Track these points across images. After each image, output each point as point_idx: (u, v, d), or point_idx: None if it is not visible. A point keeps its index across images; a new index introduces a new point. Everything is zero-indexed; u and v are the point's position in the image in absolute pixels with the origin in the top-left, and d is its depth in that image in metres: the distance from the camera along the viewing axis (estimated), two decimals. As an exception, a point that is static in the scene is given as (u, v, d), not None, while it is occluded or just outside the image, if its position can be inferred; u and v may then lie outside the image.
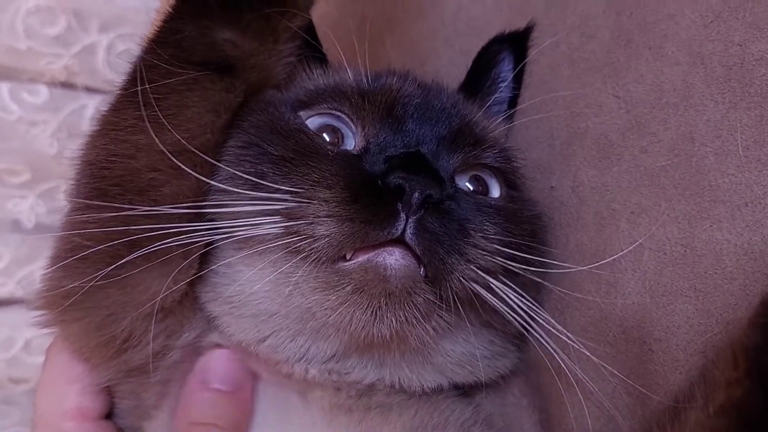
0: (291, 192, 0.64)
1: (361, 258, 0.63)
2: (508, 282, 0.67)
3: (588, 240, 0.72)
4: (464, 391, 0.76)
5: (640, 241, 0.65)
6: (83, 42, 1.35)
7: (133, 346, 0.70)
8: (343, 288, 0.63)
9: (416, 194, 0.62)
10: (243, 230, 0.65)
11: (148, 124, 0.64)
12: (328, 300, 0.63)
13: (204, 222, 0.67)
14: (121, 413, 0.76)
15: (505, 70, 0.86)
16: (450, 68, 0.94)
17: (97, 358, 0.72)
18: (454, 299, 0.64)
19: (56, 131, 1.37)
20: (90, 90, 1.39)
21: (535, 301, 0.72)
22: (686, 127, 0.64)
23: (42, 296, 0.71)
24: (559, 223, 0.76)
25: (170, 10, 0.71)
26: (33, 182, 1.36)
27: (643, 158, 0.68)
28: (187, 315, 0.72)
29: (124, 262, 0.64)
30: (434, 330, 0.66)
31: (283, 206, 0.64)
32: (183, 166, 0.65)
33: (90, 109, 1.37)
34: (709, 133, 0.63)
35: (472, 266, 0.64)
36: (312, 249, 0.63)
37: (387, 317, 0.63)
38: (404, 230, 0.62)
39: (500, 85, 0.86)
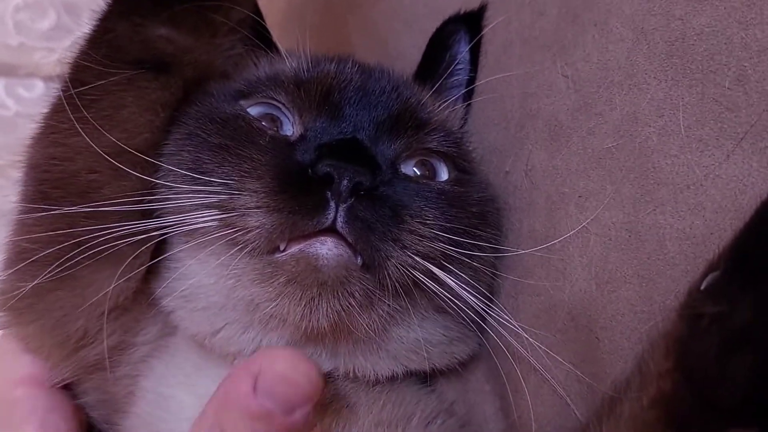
0: (224, 184, 0.64)
1: (294, 249, 0.62)
2: (452, 268, 0.66)
3: (539, 225, 0.70)
4: (426, 379, 0.75)
5: (585, 224, 0.64)
6: (75, 34, 1.35)
7: (88, 344, 0.71)
8: (277, 279, 0.62)
9: (345, 182, 0.62)
10: (184, 224, 0.65)
11: (83, 127, 0.64)
12: (266, 292, 0.63)
13: (152, 219, 0.66)
14: (91, 407, 0.77)
15: (461, 51, 0.84)
16: (412, 50, 0.91)
17: (54, 357, 0.73)
18: (394, 286, 0.63)
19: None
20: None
21: (489, 287, 0.71)
22: (630, 107, 0.62)
23: None
24: (513, 208, 0.75)
25: (103, 7, 0.69)
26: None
27: (591, 140, 0.65)
28: (144, 311, 0.72)
29: (74, 263, 0.64)
30: (380, 318, 0.66)
31: (216, 199, 0.63)
32: (122, 167, 0.64)
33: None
34: (652, 112, 0.60)
35: (408, 252, 0.63)
36: (246, 240, 0.62)
37: (322, 307, 0.62)
38: (335, 219, 0.62)
39: (457, 66, 0.84)
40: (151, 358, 0.73)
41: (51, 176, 0.67)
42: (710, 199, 0.55)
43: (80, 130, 0.64)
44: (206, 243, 0.65)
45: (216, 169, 0.65)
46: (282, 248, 0.63)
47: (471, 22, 0.84)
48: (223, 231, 0.63)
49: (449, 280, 0.65)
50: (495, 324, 0.69)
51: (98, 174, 0.65)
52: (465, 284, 0.66)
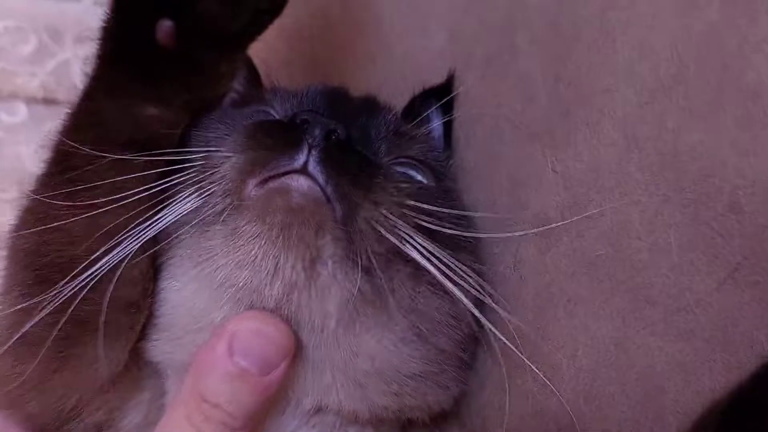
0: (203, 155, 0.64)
1: (265, 187, 0.60)
2: (429, 237, 0.62)
3: (527, 324, 0.68)
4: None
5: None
6: (58, 58, 1.33)
7: (76, 417, 0.68)
8: (246, 220, 0.59)
9: (320, 126, 0.61)
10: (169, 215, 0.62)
11: (80, 212, 0.62)
12: (236, 247, 0.60)
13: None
14: None
15: (435, 125, 0.82)
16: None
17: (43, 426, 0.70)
18: (366, 249, 0.59)
19: (39, 148, 1.37)
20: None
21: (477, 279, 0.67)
22: (621, 216, 0.60)
23: None
24: (501, 292, 0.72)
25: (86, 88, 0.67)
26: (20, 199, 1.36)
27: (581, 243, 0.63)
28: (134, 378, 0.69)
29: (74, 340, 0.63)
30: (351, 294, 0.60)
31: (195, 171, 0.62)
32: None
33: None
34: (643, 226, 0.58)
35: (380, 209, 0.60)
36: (217, 196, 0.61)
37: (293, 239, 0.58)
38: (307, 161, 0.60)
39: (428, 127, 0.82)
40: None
41: (50, 260, 0.64)
42: (701, 326, 0.53)
43: (79, 214, 0.62)
44: (185, 235, 0.63)
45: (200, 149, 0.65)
46: (252, 194, 0.60)
47: (441, 95, 0.82)
48: (198, 198, 0.61)
49: (428, 252, 0.61)
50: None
51: (100, 250, 0.62)
52: (450, 271, 0.62)
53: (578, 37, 0.65)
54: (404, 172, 0.70)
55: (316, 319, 0.61)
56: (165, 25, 0.61)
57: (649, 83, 0.58)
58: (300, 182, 0.59)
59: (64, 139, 0.66)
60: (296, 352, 0.62)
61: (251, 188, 0.60)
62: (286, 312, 0.61)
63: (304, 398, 0.65)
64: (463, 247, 0.67)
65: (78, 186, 0.63)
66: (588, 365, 0.61)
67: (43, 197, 0.65)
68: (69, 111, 0.69)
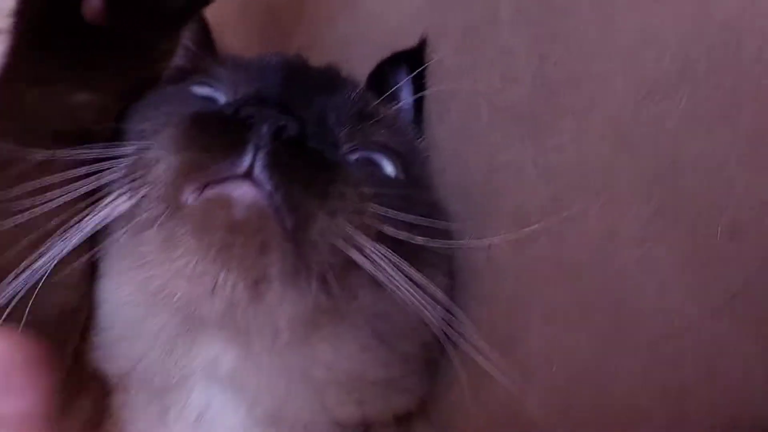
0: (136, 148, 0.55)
1: (203, 195, 0.51)
2: (390, 252, 0.53)
3: (500, 322, 0.63)
4: None
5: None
6: None
7: None
8: (183, 231, 0.51)
9: (267, 124, 0.52)
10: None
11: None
12: (171, 259, 0.52)
13: None
14: None
15: (404, 89, 0.74)
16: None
17: None
18: (319, 263, 0.52)
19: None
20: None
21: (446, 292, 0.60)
22: (607, 222, 0.54)
23: None
24: (473, 290, 0.67)
25: (3, 73, 0.57)
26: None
27: (561, 248, 0.58)
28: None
29: None
30: (304, 310, 0.53)
31: (126, 167, 0.54)
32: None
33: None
34: (631, 237, 0.52)
35: (337, 219, 0.52)
36: (150, 200, 0.52)
37: (235, 260, 0.50)
38: (253, 164, 0.51)
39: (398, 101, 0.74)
40: None
41: None
42: (689, 354, 0.48)
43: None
44: (120, 235, 0.55)
45: (135, 137, 0.57)
46: (189, 201, 0.52)
47: (412, 60, 0.73)
48: (130, 200, 0.53)
49: (388, 267, 0.53)
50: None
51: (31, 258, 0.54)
52: (411, 278, 0.55)
53: (571, 12, 0.57)
54: (368, 162, 0.62)
55: (265, 333, 0.55)
56: (93, 0, 0.51)
57: (650, 76, 0.51)
58: (243, 191, 0.50)
59: None
60: (245, 357, 0.56)
61: (188, 195, 0.51)
62: (230, 324, 0.54)
63: (256, 407, 0.59)
64: (431, 253, 0.60)
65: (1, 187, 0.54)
66: (563, 380, 0.56)
67: None
68: None
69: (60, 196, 0.53)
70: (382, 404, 0.62)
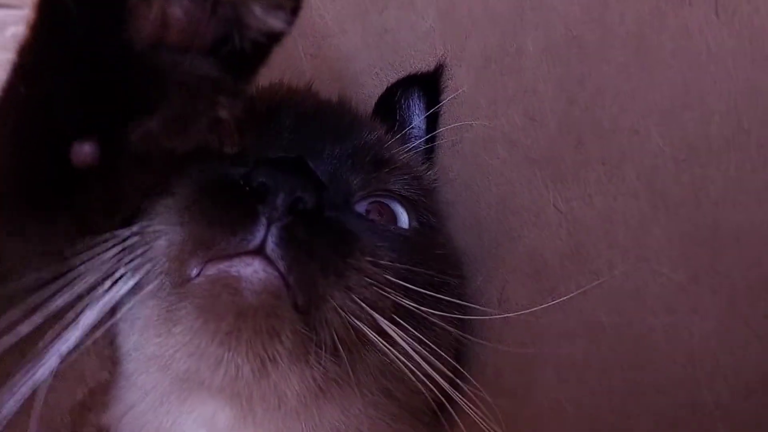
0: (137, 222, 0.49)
1: (210, 271, 0.47)
2: (406, 325, 0.52)
3: (508, 375, 0.60)
4: None
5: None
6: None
7: None
8: (184, 311, 0.47)
9: (282, 195, 0.48)
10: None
11: None
12: (171, 334, 0.48)
13: None
14: None
15: (416, 114, 0.70)
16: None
17: None
18: (332, 338, 0.49)
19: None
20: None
21: (454, 358, 0.59)
22: (635, 283, 0.51)
23: None
24: (479, 336, 0.64)
25: None
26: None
27: (582, 303, 0.55)
28: None
29: None
30: (314, 382, 0.51)
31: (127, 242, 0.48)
32: None
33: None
34: (661, 303, 0.50)
35: (352, 295, 0.49)
36: (152, 274, 0.48)
37: (242, 347, 0.47)
38: (265, 239, 0.47)
39: (409, 131, 0.70)
40: None
41: None
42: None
43: None
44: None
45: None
46: (193, 275, 0.48)
47: (426, 84, 0.70)
48: (131, 280, 0.48)
49: (401, 340, 0.52)
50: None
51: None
52: (424, 348, 0.53)
53: (604, 57, 0.53)
54: (381, 211, 0.60)
55: (270, 400, 0.51)
56: (85, 147, 0.44)
57: (691, 138, 0.48)
58: (253, 269, 0.47)
59: None
60: (246, 417, 0.52)
61: (193, 269, 0.47)
62: (232, 392, 0.50)
63: None
64: (443, 313, 0.57)
65: None
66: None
67: None
68: None
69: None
70: None
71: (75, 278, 0.46)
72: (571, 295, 0.54)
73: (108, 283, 0.46)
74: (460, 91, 0.66)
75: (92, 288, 0.46)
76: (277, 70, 0.63)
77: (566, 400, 0.55)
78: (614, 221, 0.53)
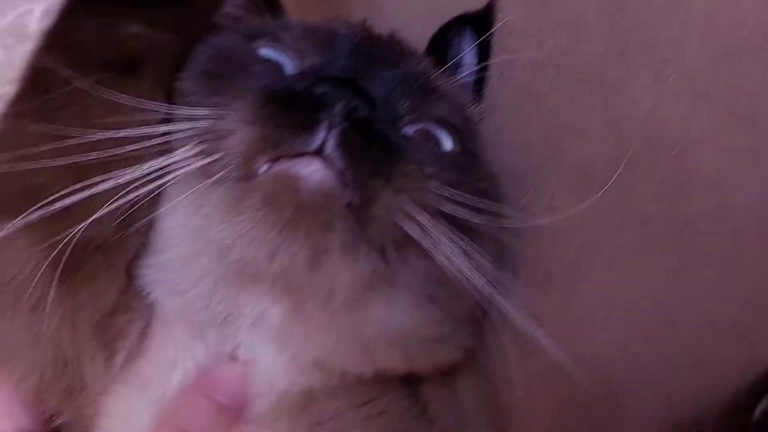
0: (210, 111, 0.58)
1: (273, 169, 0.55)
2: (450, 229, 0.57)
3: (558, 275, 0.66)
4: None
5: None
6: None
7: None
8: (249, 202, 0.55)
9: (340, 104, 0.55)
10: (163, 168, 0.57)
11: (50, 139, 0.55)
12: (235, 222, 0.55)
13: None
14: None
15: (467, 54, 0.76)
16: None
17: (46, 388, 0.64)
18: (381, 235, 0.56)
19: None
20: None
21: (496, 266, 0.63)
22: (679, 177, 0.57)
23: None
24: (528, 247, 0.70)
25: (65, 4, 0.61)
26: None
27: (628, 199, 0.61)
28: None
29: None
30: (362, 277, 0.57)
31: (200, 127, 0.57)
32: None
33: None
34: (704, 190, 0.55)
35: (400, 197, 0.56)
36: (222, 165, 0.56)
37: (299, 236, 0.54)
38: (325, 142, 0.54)
39: (460, 70, 0.76)
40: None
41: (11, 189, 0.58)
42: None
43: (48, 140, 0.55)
44: (182, 182, 0.58)
45: (207, 98, 0.60)
46: (261, 171, 0.56)
47: (477, 24, 0.76)
48: (201, 161, 0.56)
49: (447, 241, 0.57)
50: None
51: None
52: (468, 254, 0.58)
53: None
54: (427, 136, 0.65)
55: (320, 294, 0.58)
56: None
57: (726, 42, 0.54)
58: (313, 168, 0.54)
59: (37, 59, 0.61)
60: (295, 313, 0.60)
61: (260, 166, 0.55)
62: (283, 285, 0.57)
63: (300, 357, 0.62)
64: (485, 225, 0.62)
65: (52, 111, 0.58)
66: (623, 328, 0.59)
67: (12, 119, 0.60)
68: (47, 29, 0.62)
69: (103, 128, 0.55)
70: (429, 359, 0.66)
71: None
72: (616, 186, 0.60)
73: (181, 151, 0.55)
74: (506, 20, 0.72)
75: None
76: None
77: (616, 289, 0.61)
78: (658, 122, 0.59)
